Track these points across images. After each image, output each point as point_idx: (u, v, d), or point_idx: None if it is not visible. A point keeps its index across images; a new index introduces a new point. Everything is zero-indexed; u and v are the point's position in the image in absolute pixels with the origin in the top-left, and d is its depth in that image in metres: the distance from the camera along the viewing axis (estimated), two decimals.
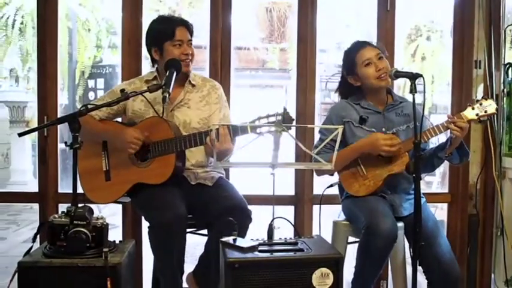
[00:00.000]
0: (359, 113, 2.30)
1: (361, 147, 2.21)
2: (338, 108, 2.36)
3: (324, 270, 1.68)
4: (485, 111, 2.11)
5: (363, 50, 2.28)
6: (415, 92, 1.93)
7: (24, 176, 7.09)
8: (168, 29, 2.27)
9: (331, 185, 2.44)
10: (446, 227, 3.00)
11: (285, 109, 1.82)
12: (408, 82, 1.98)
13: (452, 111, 2.94)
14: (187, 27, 2.31)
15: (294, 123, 1.84)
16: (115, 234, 1.89)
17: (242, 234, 1.93)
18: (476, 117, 2.11)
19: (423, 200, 2.30)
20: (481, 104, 2.11)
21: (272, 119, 1.83)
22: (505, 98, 2.82)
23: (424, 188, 2.46)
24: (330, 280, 1.68)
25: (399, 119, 2.29)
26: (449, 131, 2.13)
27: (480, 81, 2.89)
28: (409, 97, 2.00)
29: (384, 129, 2.27)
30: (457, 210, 2.94)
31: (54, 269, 1.73)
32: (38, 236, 1.91)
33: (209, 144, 2.04)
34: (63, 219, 1.78)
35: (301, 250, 1.75)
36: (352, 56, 2.30)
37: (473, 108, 2.12)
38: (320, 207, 2.41)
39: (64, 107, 5.83)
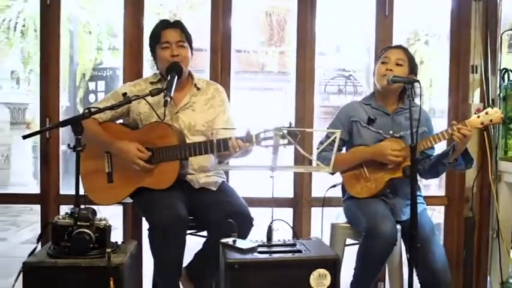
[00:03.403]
0: (368, 113, 2.35)
1: (367, 154, 2.26)
2: (348, 108, 2.42)
3: (322, 271, 1.71)
4: (491, 120, 2.14)
5: (392, 49, 2.36)
6: (412, 97, 1.97)
7: (25, 177, 7.10)
8: (156, 32, 2.30)
9: (334, 186, 2.48)
10: (443, 229, 3.03)
11: (290, 124, 1.86)
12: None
13: (449, 115, 2.98)
14: (179, 28, 2.30)
15: (297, 133, 1.87)
16: (114, 236, 1.93)
17: (243, 239, 1.96)
18: (481, 126, 2.16)
19: (423, 206, 2.34)
20: (486, 113, 2.14)
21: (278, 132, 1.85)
22: (501, 103, 2.85)
23: (422, 191, 2.50)
24: (328, 281, 1.72)
25: (407, 123, 2.30)
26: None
27: (477, 86, 2.93)
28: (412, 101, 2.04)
29: (391, 132, 2.31)
30: (454, 213, 2.97)
31: (58, 269, 1.76)
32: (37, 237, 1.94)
33: (231, 149, 2.03)
34: (67, 220, 1.81)
35: (300, 251, 1.79)
36: (383, 51, 2.39)
37: (478, 117, 2.15)
38: (322, 208, 2.44)
39: (65, 109, 5.86)
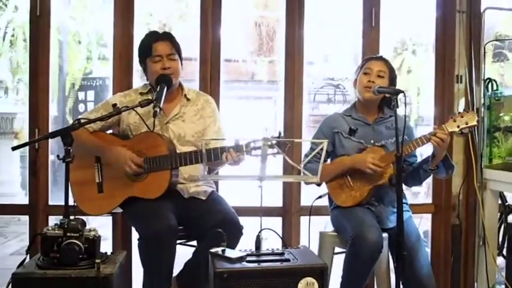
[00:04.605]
0: (349, 124, 2.39)
1: (349, 162, 2.30)
2: (329, 120, 2.45)
3: (309, 279, 1.73)
4: (466, 123, 2.17)
5: (374, 61, 2.40)
6: (397, 107, 2.02)
7: (12, 188, 7.02)
8: (147, 45, 2.30)
9: (320, 196, 2.50)
10: (430, 236, 3.07)
11: (279, 133, 1.89)
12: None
13: (435, 124, 3.02)
14: (169, 40, 2.31)
15: (286, 143, 1.90)
16: (103, 247, 1.93)
17: (232, 247, 1.98)
18: (457, 129, 2.18)
19: (409, 213, 2.37)
20: (462, 117, 2.18)
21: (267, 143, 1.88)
22: (485, 112, 2.91)
23: (410, 199, 2.53)
24: None
25: (388, 132, 2.36)
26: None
27: (461, 95, 2.99)
28: (397, 111, 2.07)
29: (372, 141, 2.35)
30: (441, 220, 3.01)
31: (47, 280, 1.76)
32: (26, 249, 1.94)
33: (224, 160, 2.06)
34: (56, 231, 1.82)
35: (288, 260, 1.80)
36: (364, 62, 2.43)
37: (454, 121, 2.18)
38: (310, 218, 2.46)
39: (54, 119, 5.85)
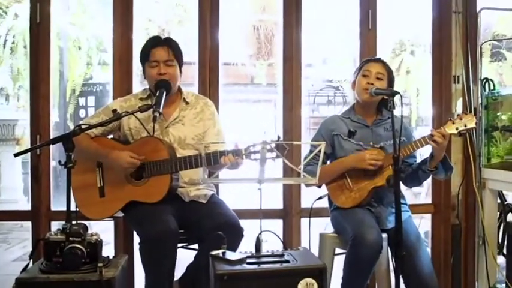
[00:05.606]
0: (348, 126, 2.40)
1: (348, 162, 2.31)
2: (328, 122, 2.47)
3: (309, 280, 1.75)
4: (465, 125, 2.20)
5: (372, 63, 2.41)
6: (394, 108, 2.04)
7: (15, 194, 7.04)
8: (145, 50, 2.33)
9: (320, 197, 2.52)
10: (430, 236, 3.09)
11: (278, 137, 1.91)
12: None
13: (433, 124, 3.05)
14: (168, 46, 2.32)
15: (285, 147, 1.92)
16: (105, 251, 1.95)
17: (233, 250, 1.99)
18: (456, 131, 2.20)
19: (408, 213, 2.39)
20: (461, 119, 2.20)
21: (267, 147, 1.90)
22: (483, 111, 2.93)
23: (412, 199, 2.54)
24: None
25: (387, 134, 2.38)
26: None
27: (459, 95, 3.01)
28: (394, 112, 2.10)
29: (371, 143, 2.37)
30: (441, 220, 3.03)
31: (51, 284, 1.78)
32: (29, 254, 1.96)
33: (223, 164, 2.08)
34: (59, 236, 1.84)
35: (287, 261, 1.82)
36: (362, 64, 2.44)
37: (453, 123, 2.21)
38: (310, 219, 2.47)
39: (55, 125, 5.88)
